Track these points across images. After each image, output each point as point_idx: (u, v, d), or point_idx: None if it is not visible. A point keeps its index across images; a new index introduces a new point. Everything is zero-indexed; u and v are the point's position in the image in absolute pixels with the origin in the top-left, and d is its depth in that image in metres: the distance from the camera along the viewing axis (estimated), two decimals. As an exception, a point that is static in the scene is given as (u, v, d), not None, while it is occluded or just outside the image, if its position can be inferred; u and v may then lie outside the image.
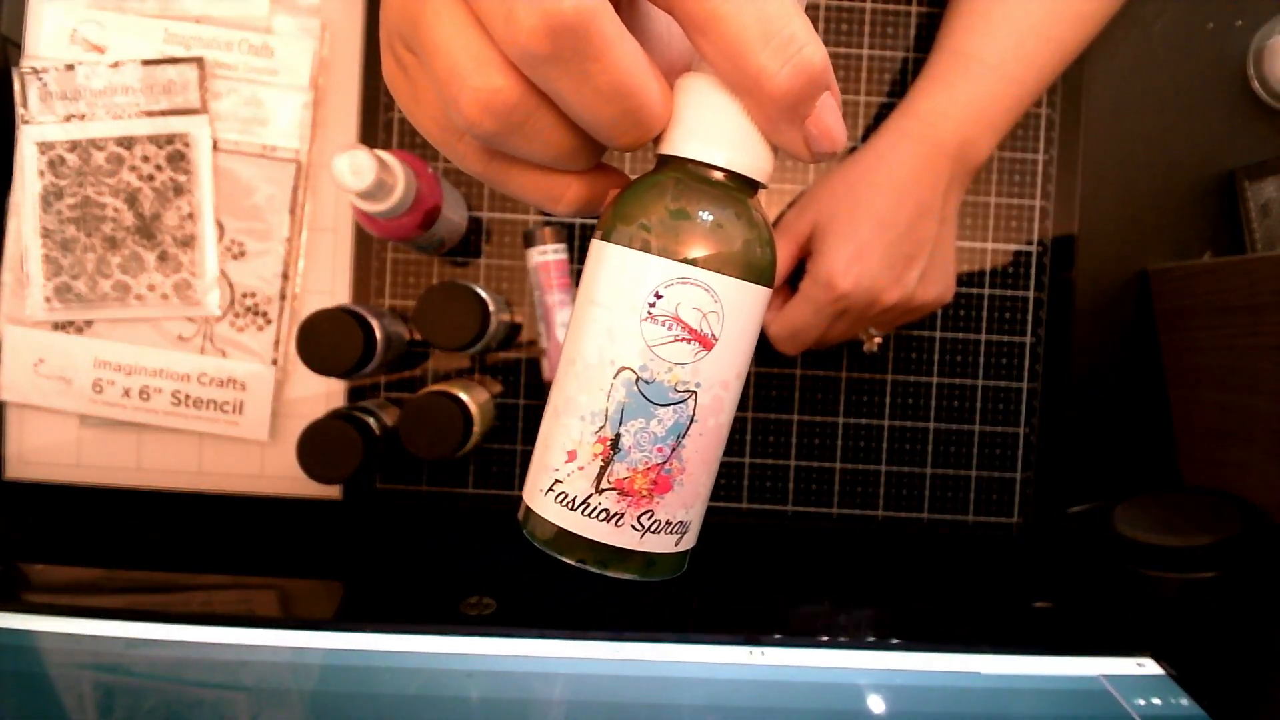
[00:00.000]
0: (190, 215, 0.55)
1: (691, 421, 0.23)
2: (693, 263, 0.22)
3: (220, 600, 0.49)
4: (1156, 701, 0.41)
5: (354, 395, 0.56)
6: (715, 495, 0.57)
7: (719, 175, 0.23)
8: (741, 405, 0.57)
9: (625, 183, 0.25)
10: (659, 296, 0.22)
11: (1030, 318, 0.57)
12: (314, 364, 0.48)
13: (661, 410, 0.23)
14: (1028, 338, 0.57)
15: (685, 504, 0.24)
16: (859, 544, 0.57)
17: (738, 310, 0.23)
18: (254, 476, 0.57)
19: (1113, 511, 0.52)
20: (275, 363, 0.56)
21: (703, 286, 0.22)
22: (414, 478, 0.57)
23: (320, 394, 0.57)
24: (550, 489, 0.24)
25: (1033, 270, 0.57)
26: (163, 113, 0.55)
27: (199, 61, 0.54)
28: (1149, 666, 0.44)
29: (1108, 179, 0.58)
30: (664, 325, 0.22)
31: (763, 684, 0.41)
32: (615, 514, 0.23)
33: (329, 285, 0.56)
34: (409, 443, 0.48)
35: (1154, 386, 0.57)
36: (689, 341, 0.22)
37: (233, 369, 0.56)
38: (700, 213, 0.22)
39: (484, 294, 0.49)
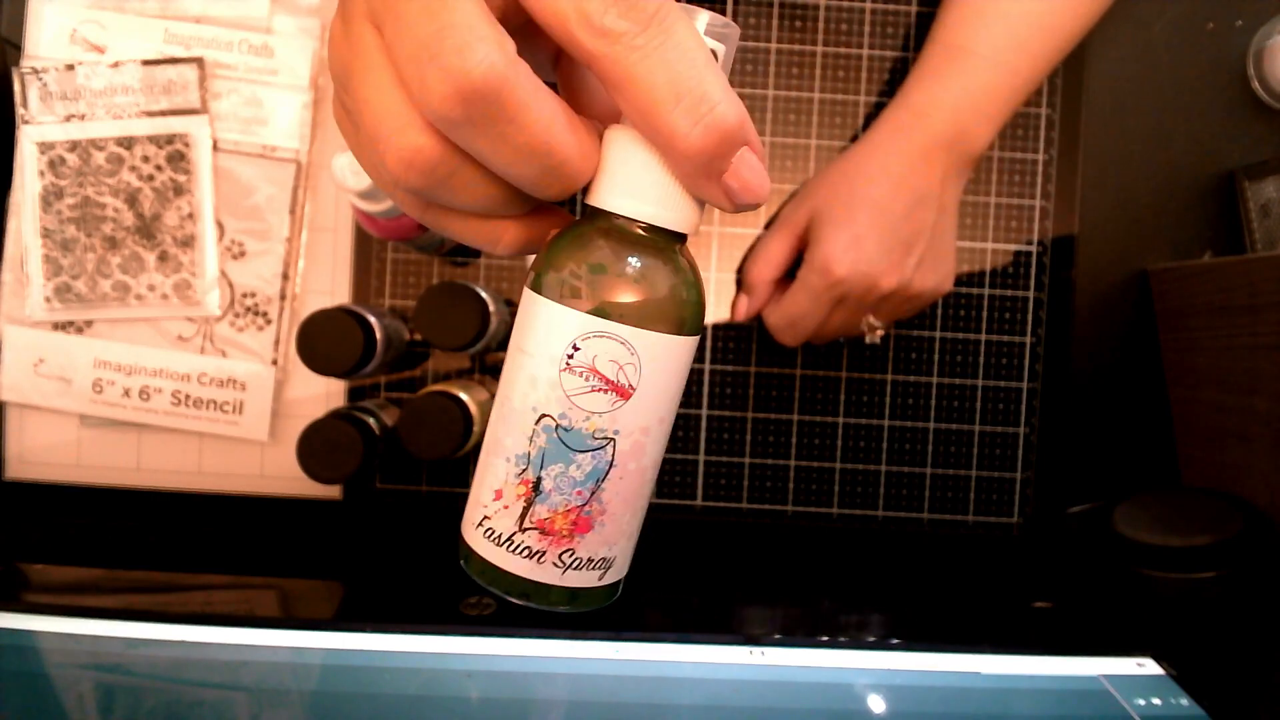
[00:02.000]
0: (190, 215, 0.55)
1: (611, 466, 0.24)
2: (609, 316, 0.23)
3: (220, 600, 0.49)
4: (1157, 701, 0.41)
5: (354, 395, 0.56)
6: (716, 495, 0.57)
7: (641, 229, 0.23)
8: (741, 405, 0.57)
9: (566, 222, 0.25)
10: (576, 349, 0.23)
11: (1030, 318, 0.57)
12: (314, 364, 0.48)
13: (580, 456, 0.23)
14: (1028, 338, 0.57)
15: (607, 542, 0.25)
16: (859, 544, 0.57)
17: (656, 361, 0.23)
18: (254, 476, 0.57)
19: (1113, 511, 0.52)
20: (275, 363, 0.56)
21: (618, 340, 0.23)
22: (414, 478, 0.57)
23: (320, 394, 0.57)
24: (480, 524, 0.25)
25: (1033, 270, 0.57)
26: (163, 113, 0.55)
27: (199, 61, 0.54)
28: (1149, 666, 0.44)
29: (1108, 179, 0.58)
30: (581, 376, 0.23)
31: (763, 684, 0.41)
32: (537, 551, 0.24)
33: (329, 285, 0.56)
34: (409, 443, 0.48)
35: (1154, 386, 0.57)
36: (605, 391, 0.23)
37: (233, 369, 0.56)
38: (619, 266, 0.23)
39: (484, 294, 0.49)
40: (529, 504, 0.24)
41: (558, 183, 0.22)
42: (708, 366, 0.57)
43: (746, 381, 0.57)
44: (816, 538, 0.57)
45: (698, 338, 0.25)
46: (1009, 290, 0.57)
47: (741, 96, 0.57)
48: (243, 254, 0.56)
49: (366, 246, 0.56)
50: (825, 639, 0.45)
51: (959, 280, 0.57)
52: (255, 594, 0.50)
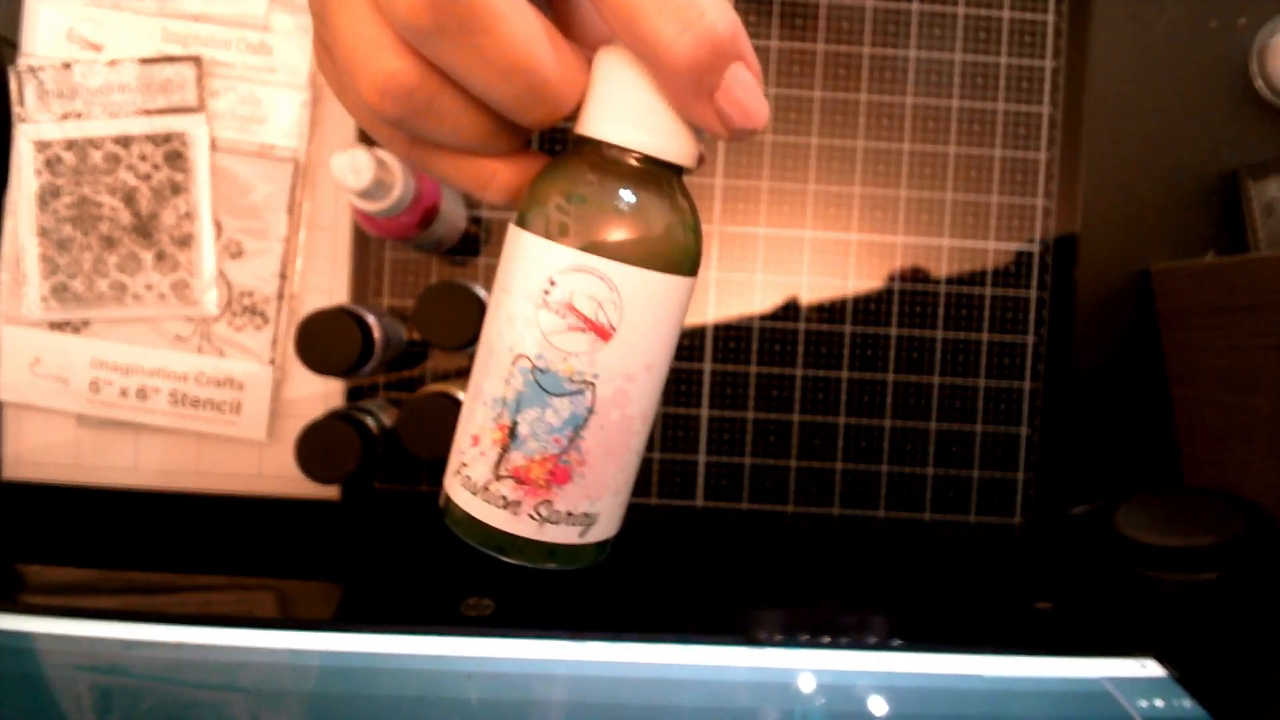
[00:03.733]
0: (188, 214, 0.55)
1: (590, 413, 0.22)
2: (589, 250, 0.21)
3: (218, 601, 0.49)
4: (1159, 703, 0.41)
5: (353, 395, 0.56)
6: (716, 495, 0.57)
7: (631, 159, 0.22)
8: (742, 405, 0.57)
9: None
10: (553, 284, 0.22)
11: (1032, 317, 0.57)
12: (312, 364, 0.47)
13: (557, 400, 0.22)
14: (1029, 337, 0.57)
15: (589, 496, 0.23)
16: (860, 544, 0.57)
17: (640, 300, 0.22)
18: (252, 477, 0.56)
19: (1114, 512, 0.52)
20: (273, 362, 0.56)
21: (598, 275, 0.21)
22: (413, 478, 0.57)
23: (319, 394, 0.56)
24: (459, 472, 0.24)
25: (1034, 270, 0.57)
26: (160, 111, 0.54)
27: (196, 60, 0.54)
28: (1151, 668, 0.44)
29: (1110, 178, 0.57)
30: (559, 314, 0.22)
31: (763, 684, 0.41)
32: (512, 501, 0.23)
33: (327, 285, 0.56)
34: (409, 443, 0.48)
35: (1156, 386, 0.57)
36: (584, 331, 0.22)
37: (230, 369, 0.55)
38: (603, 197, 0.22)
39: (483, 294, 0.49)
40: (504, 450, 0.23)
41: (541, 105, 0.21)
42: (708, 366, 0.57)
43: (746, 381, 0.57)
44: (817, 538, 0.57)
45: (691, 279, 0.23)
46: (1011, 290, 0.57)
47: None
48: (240, 253, 0.55)
49: (365, 246, 0.56)
50: (826, 639, 0.45)
51: (960, 279, 0.57)
52: (253, 595, 0.49)
